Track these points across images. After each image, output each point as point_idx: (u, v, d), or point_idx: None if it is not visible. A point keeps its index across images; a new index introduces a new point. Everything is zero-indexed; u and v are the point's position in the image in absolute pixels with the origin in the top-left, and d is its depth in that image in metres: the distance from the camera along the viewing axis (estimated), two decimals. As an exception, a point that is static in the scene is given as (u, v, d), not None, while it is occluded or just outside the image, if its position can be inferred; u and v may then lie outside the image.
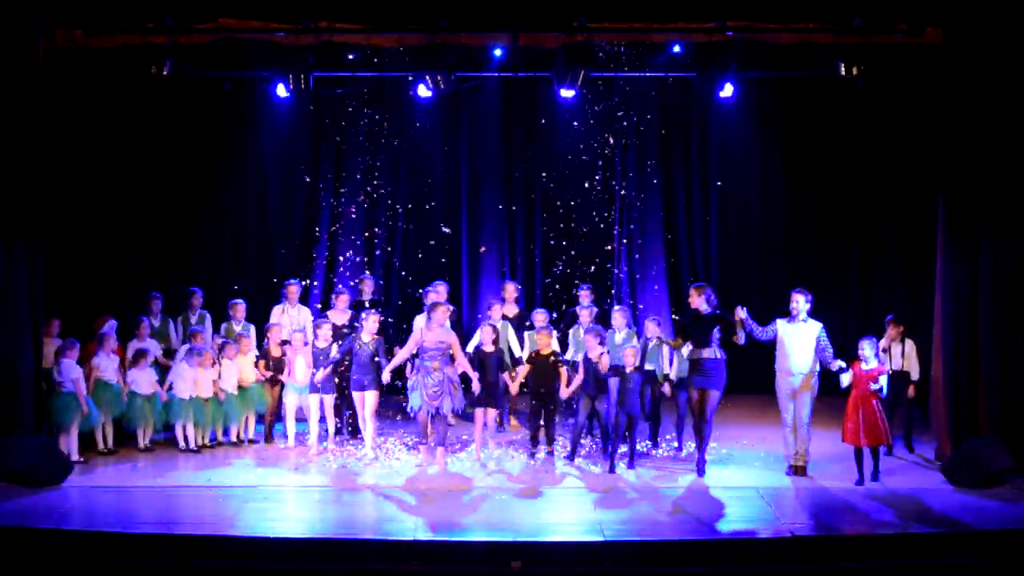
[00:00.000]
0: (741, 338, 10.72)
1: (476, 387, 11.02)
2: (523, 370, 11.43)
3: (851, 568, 8.83)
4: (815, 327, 10.69)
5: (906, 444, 11.72)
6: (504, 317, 12.44)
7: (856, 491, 10.30)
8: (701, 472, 10.83)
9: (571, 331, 12.24)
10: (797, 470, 10.81)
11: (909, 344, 11.65)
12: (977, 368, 11.01)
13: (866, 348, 10.59)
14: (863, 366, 10.53)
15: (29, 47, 10.94)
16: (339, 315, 12.25)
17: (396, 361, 11.15)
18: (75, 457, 11.00)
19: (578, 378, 11.10)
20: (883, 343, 11.39)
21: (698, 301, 10.89)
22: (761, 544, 8.98)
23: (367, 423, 11.32)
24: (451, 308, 12.15)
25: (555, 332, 11.80)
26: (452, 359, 10.97)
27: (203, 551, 8.82)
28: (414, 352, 11.08)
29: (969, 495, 10.15)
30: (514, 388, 11.52)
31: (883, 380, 10.65)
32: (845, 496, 10.17)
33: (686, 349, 10.99)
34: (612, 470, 10.94)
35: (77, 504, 9.85)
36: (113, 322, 11.94)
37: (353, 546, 8.87)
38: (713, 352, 10.75)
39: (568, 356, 11.77)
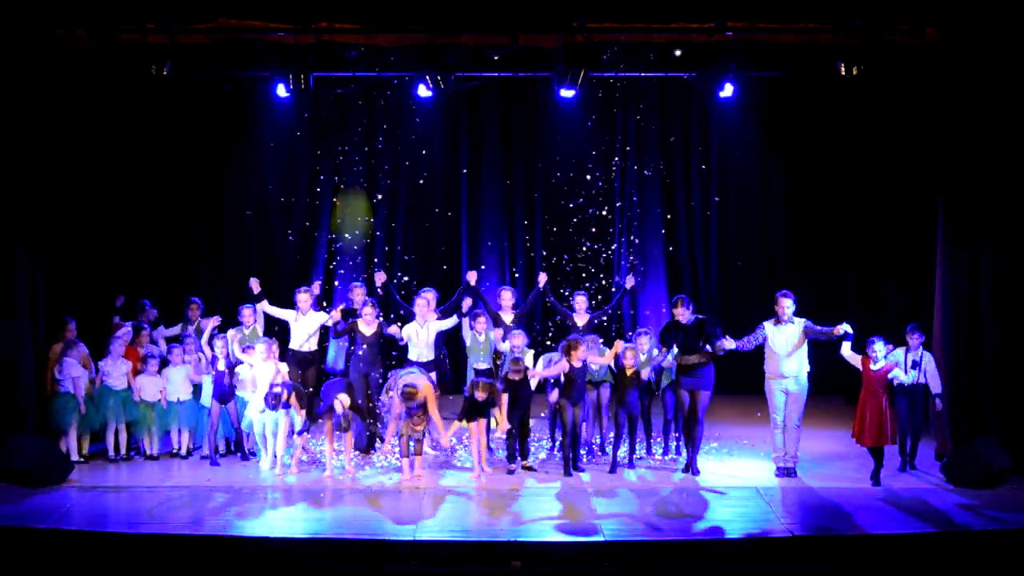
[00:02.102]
0: (728, 344, 10.65)
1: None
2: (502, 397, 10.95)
3: (851, 568, 8.83)
4: (800, 323, 10.69)
5: (908, 459, 11.05)
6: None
7: (856, 491, 10.30)
8: (695, 472, 10.86)
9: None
10: (786, 471, 10.80)
11: (928, 357, 10.91)
12: (977, 368, 11.02)
13: (878, 347, 10.47)
14: (872, 366, 10.48)
15: (29, 47, 10.95)
16: (367, 327, 11.65)
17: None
18: (75, 457, 10.99)
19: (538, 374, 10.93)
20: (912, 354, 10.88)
21: (682, 314, 10.83)
22: (761, 544, 8.99)
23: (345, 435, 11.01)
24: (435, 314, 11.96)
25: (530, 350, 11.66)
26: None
27: (203, 551, 8.83)
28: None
29: (969, 495, 10.15)
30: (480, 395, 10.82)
31: (899, 372, 10.55)
32: (845, 496, 10.17)
33: (671, 356, 11.03)
34: (613, 470, 10.97)
35: (77, 504, 9.86)
36: (127, 327, 11.87)
37: (353, 546, 8.88)
38: (700, 356, 10.78)
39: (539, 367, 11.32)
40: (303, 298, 11.96)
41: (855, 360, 10.58)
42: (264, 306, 12.11)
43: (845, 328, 10.48)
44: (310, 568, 8.77)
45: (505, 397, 10.85)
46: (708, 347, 10.72)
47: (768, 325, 10.77)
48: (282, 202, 14.79)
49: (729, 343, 10.62)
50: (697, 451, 10.97)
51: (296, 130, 14.56)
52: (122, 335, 11.63)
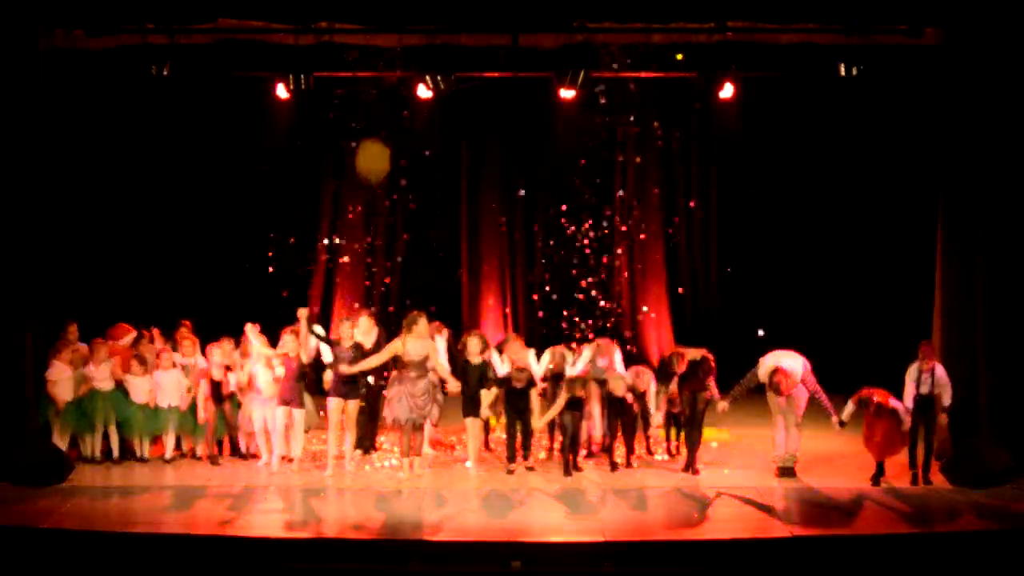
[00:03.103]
0: (722, 406, 10.83)
1: (454, 391, 10.77)
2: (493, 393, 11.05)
3: (851, 568, 8.84)
4: (798, 361, 10.62)
5: (922, 474, 10.62)
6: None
7: (856, 491, 10.31)
8: (695, 472, 10.89)
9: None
10: (786, 471, 10.80)
11: (940, 370, 10.53)
12: (977, 367, 11.02)
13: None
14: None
15: (29, 47, 10.95)
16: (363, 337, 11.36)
17: (364, 365, 10.66)
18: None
19: (555, 408, 10.91)
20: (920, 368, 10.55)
21: (679, 369, 11.03)
22: (761, 544, 8.99)
23: (349, 432, 11.06)
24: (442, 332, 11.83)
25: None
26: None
27: (203, 551, 8.83)
28: (386, 361, 10.73)
29: (969, 495, 10.15)
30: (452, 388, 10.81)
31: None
32: (845, 496, 10.18)
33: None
34: (614, 469, 10.99)
35: (77, 504, 9.85)
36: (132, 333, 11.77)
37: (353, 546, 8.88)
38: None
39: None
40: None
41: (852, 406, 10.50)
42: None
43: (837, 424, 10.48)
44: (310, 568, 8.77)
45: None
46: (698, 381, 10.88)
47: (768, 358, 10.69)
48: (282, 203, 14.79)
49: (722, 406, 10.77)
50: (697, 451, 10.98)
51: (296, 131, 14.56)
52: (115, 339, 11.55)
